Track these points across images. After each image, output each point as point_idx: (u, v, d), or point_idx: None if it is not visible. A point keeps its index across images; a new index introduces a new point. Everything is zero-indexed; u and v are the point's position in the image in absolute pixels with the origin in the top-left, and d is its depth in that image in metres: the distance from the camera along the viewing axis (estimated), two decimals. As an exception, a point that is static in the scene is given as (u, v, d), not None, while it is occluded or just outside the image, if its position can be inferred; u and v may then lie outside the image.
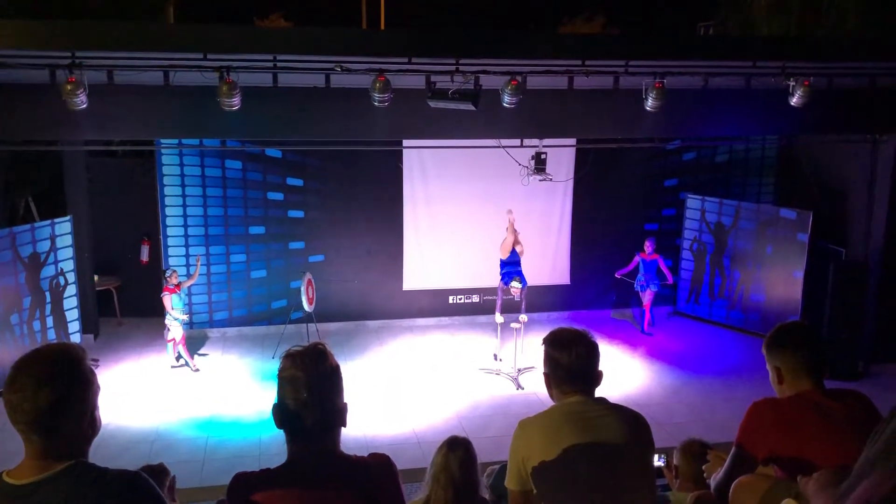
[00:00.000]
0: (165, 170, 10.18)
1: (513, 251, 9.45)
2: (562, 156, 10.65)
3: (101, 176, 10.65)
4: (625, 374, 9.32)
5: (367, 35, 10.27)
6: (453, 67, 7.22)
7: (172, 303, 9.10)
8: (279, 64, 7.35)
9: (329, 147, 9.36)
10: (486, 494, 3.60)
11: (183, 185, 10.24)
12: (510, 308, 9.78)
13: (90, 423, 1.88)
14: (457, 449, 3.39)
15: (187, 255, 10.34)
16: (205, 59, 6.84)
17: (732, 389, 8.81)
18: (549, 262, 11.37)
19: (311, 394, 2.01)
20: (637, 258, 10.66)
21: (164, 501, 1.91)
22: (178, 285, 9.18)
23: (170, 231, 10.32)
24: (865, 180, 9.63)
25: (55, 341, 8.60)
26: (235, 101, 6.94)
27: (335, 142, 8.97)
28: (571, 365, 2.53)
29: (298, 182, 10.59)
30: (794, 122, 8.67)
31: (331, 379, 2.06)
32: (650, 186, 11.58)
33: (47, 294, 9.10)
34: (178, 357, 9.37)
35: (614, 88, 8.18)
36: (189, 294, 10.08)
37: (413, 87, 7.38)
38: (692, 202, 11.41)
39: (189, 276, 9.77)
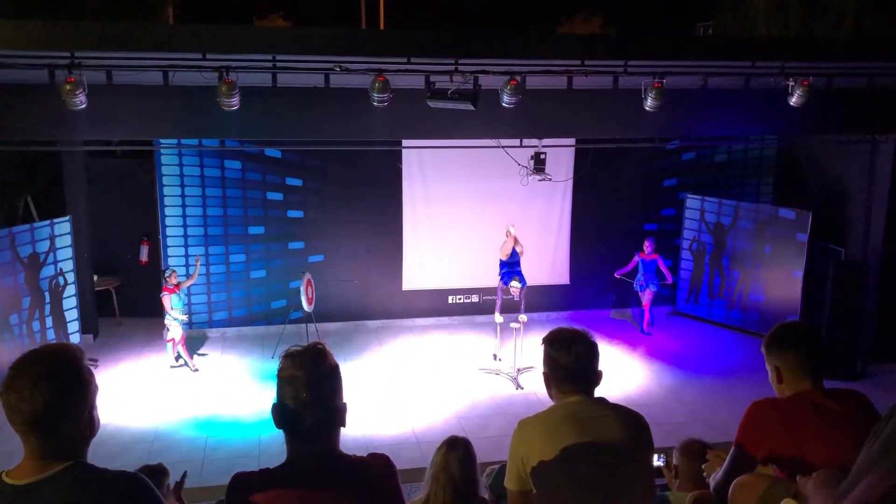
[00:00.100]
0: (165, 170, 10.18)
1: (513, 251, 9.44)
2: (561, 156, 10.65)
3: (101, 176, 10.66)
4: (624, 374, 9.32)
5: (366, 35, 10.27)
6: (452, 67, 7.22)
7: (172, 303, 9.10)
8: (278, 64, 7.33)
9: (328, 147, 9.34)
10: (485, 494, 3.60)
11: (182, 186, 10.24)
12: (510, 308, 9.79)
13: (88, 423, 1.88)
14: (456, 449, 3.39)
15: (186, 256, 10.34)
16: (204, 59, 6.84)
17: (732, 389, 8.81)
18: (548, 262, 11.37)
19: (310, 394, 2.00)
20: (636, 258, 10.66)
21: (163, 502, 1.91)
22: (177, 285, 9.18)
23: (169, 231, 10.32)
24: (864, 180, 9.64)
25: (54, 341, 8.60)
26: (235, 102, 6.93)
27: (334, 142, 8.96)
28: (571, 365, 2.53)
29: (298, 182, 10.59)
30: (794, 122, 8.67)
31: (330, 379, 2.06)
32: (649, 186, 11.58)
33: (46, 294, 9.10)
34: (178, 357, 9.37)
35: (613, 88, 8.17)
36: (188, 294, 10.08)
37: (412, 87, 7.36)
38: (691, 202, 11.41)
39: (188, 276, 9.76)
